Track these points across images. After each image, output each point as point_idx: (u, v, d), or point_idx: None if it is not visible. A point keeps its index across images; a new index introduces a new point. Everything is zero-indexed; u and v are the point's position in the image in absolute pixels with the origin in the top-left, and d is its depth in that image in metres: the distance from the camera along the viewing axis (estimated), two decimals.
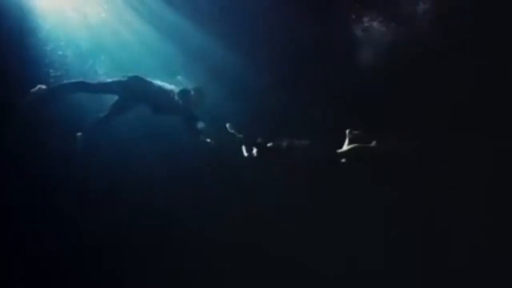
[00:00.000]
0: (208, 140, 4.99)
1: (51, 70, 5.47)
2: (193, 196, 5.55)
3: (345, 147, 4.44)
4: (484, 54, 4.81)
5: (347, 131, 4.52)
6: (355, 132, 4.50)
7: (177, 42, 5.80)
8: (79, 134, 4.78)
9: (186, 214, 5.46)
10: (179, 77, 5.32)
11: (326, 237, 5.16)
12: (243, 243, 5.29)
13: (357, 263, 5.05)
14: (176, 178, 5.53)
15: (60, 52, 5.61)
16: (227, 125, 4.88)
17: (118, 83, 4.79)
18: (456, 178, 4.86)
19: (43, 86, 4.51)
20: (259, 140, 4.67)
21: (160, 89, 4.95)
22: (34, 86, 4.53)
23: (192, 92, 4.98)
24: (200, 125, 4.97)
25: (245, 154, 4.68)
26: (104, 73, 5.71)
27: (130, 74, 4.85)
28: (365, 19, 5.30)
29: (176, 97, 4.92)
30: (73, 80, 4.95)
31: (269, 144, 4.62)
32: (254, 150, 4.57)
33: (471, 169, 4.79)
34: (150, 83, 4.93)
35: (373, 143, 4.41)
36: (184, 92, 4.93)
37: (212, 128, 4.97)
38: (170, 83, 5.14)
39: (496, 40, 4.78)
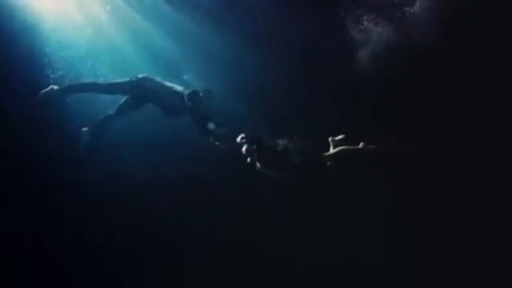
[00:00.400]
0: (217, 143, 4.96)
1: (52, 71, 5.48)
2: (194, 196, 5.56)
3: (332, 150, 4.44)
4: (484, 54, 4.80)
5: (329, 139, 4.53)
6: (338, 138, 4.49)
7: (179, 41, 5.79)
8: (84, 129, 4.74)
9: (186, 215, 5.47)
10: (184, 77, 5.29)
11: (326, 237, 5.17)
12: (243, 243, 5.31)
13: (357, 263, 5.06)
14: (178, 179, 5.54)
15: (61, 53, 5.61)
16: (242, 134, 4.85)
17: (128, 83, 4.77)
18: (456, 178, 4.86)
19: (55, 87, 4.49)
20: (258, 137, 4.66)
21: (170, 89, 4.93)
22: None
23: (201, 93, 4.95)
24: (211, 126, 4.95)
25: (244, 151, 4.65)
26: (104, 73, 5.71)
27: (141, 75, 4.82)
28: (365, 19, 5.29)
29: (186, 98, 4.90)
30: (84, 81, 4.94)
31: (266, 143, 4.62)
32: (249, 146, 4.56)
33: (471, 169, 4.79)
34: (160, 84, 4.91)
35: (361, 145, 4.39)
36: (194, 93, 4.90)
37: (221, 129, 4.94)
38: (173, 83, 5.12)
39: (496, 40, 4.78)
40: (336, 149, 4.41)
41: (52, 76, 5.42)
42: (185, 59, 5.74)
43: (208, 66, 5.73)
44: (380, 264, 4.97)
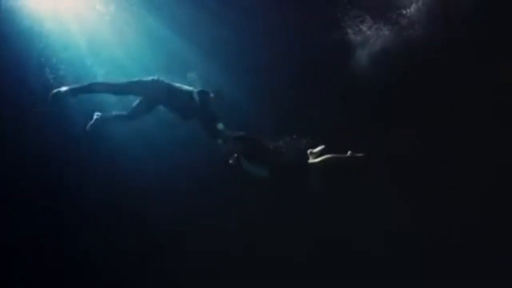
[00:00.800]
0: (225, 144, 4.93)
1: (52, 72, 5.48)
2: (194, 196, 5.57)
3: (316, 159, 4.43)
4: (484, 54, 4.81)
5: (308, 151, 4.50)
6: (316, 150, 4.48)
7: (181, 40, 5.78)
8: (97, 113, 4.69)
9: (186, 215, 5.48)
10: (189, 75, 5.24)
11: (326, 237, 5.18)
12: (243, 243, 5.32)
13: (357, 263, 5.07)
14: (178, 179, 5.54)
15: (62, 54, 5.61)
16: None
17: (140, 84, 4.73)
18: (456, 178, 4.86)
19: (64, 88, 4.45)
20: (245, 136, 4.65)
21: (180, 90, 4.89)
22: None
23: (211, 93, 4.91)
24: (220, 126, 4.91)
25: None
26: (105, 74, 5.70)
27: (151, 77, 4.78)
28: (364, 20, 5.30)
29: (195, 97, 4.85)
30: (96, 81, 4.91)
31: (254, 142, 4.61)
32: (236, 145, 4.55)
33: (471, 169, 4.79)
34: (170, 85, 4.87)
35: (349, 153, 4.37)
36: (203, 93, 4.87)
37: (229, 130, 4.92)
38: (175, 81, 5.09)
39: (496, 40, 4.78)
40: (321, 158, 4.38)
41: (51, 76, 5.42)
42: (188, 58, 5.73)
43: (209, 66, 5.72)
44: (380, 264, 4.97)
